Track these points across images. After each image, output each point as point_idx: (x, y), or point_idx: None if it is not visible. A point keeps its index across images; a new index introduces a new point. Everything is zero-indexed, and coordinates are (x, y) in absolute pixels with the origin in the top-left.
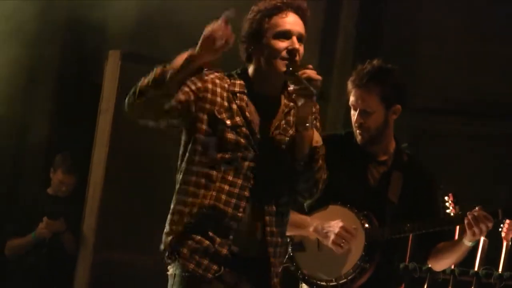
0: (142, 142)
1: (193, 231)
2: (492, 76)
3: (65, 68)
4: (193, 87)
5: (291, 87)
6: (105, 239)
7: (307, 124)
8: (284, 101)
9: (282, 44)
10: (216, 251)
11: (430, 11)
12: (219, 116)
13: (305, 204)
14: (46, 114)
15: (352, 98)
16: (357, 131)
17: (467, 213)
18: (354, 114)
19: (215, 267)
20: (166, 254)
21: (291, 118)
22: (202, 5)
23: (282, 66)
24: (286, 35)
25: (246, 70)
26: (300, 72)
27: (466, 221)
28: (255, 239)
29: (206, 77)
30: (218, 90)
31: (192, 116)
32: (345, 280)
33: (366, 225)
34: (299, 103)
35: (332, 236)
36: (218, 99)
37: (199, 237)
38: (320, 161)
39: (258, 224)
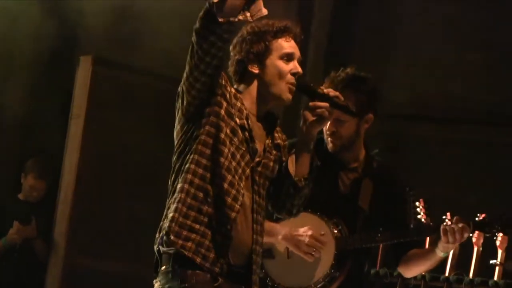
0: (113, 148)
1: (194, 229)
2: (464, 83)
3: (36, 73)
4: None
5: (314, 103)
6: (76, 244)
7: (311, 146)
8: (271, 122)
9: (287, 66)
10: (217, 250)
11: (402, 19)
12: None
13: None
14: (17, 119)
15: None
16: (329, 138)
17: (444, 224)
18: None
19: (216, 269)
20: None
21: (275, 138)
22: (176, 11)
23: (287, 92)
24: (290, 57)
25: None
26: (325, 90)
27: (442, 229)
28: (245, 246)
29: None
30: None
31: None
32: None
33: (336, 232)
34: (309, 120)
35: (302, 246)
36: (230, 106)
37: (202, 232)
38: None
39: (249, 231)
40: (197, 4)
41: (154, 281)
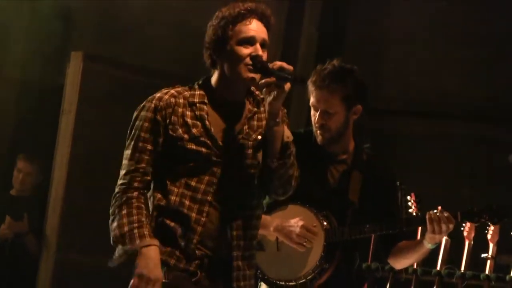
0: (104, 143)
1: (164, 235)
2: (454, 78)
3: (27, 69)
4: (151, 143)
5: (262, 80)
6: (67, 240)
7: (278, 120)
8: (248, 106)
9: (246, 51)
10: (186, 254)
11: (394, 14)
12: (174, 134)
13: (264, 203)
14: (7, 116)
15: (312, 99)
16: (318, 131)
17: (429, 211)
18: (314, 115)
19: (192, 266)
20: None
21: (255, 123)
22: (166, 7)
23: (245, 72)
24: (250, 41)
25: (209, 78)
26: (270, 64)
27: (427, 217)
28: (221, 243)
29: (160, 105)
30: (173, 109)
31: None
32: (304, 280)
33: (326, 225)
34: (271, 97)
35: (293, 236)
36: (174, 118)
37: (166, 237)
38: (292, 157)
39: (224, 228)
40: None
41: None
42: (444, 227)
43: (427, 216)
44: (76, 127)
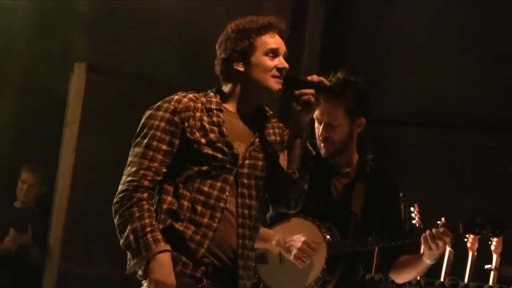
0: (107, 154)
1: (172, 239)
2: (456, 87)
3: (30, 80)
4: (168, 144)
5: (301, 91)
6: (71, 251)
7: (304, 132)
8: (257, 120)
9: (272, 62)
10: (193, 259)
11: (397, 22)
12: (192, 137)
13: (267, 216)
14: (11, 127)
15: (316, 112)
16: (322, 144)
17: (426, 230)
18: (318, 127)
19: (197, 273)
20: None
21: (264, 137)
22: (170, 20)
23: (274, 83)
24: (275, 53)
25: (220, 89)
26: (309, 78)
27: (422, 236)
28: (229, 250)
29: (180, 107)
30: (191, 113)
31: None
32: None
33: (328, 238)
34: (303, 109)
35: (294, 251)
36: (192, 122)
37: (174, 241)
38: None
39: (232, 235)
40: (192, 10)
41: (143, 281)
42: (440, 243)
43: (422, 237)
44: (79, 138)
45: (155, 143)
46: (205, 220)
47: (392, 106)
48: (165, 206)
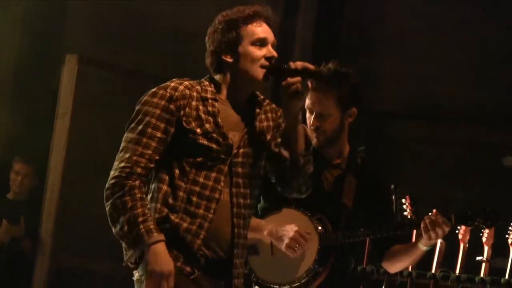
0: (99, 146)
1: (167, 230)
2: (450, 81)
3: (21, 72)
4: (165, 128)
5: (288, 80)
6: (62, 243)
7: (299, 118)
8: (250, 108)
9: (260, 52)
10: (189, 249)
11: (389, 17)
12: (187, 127)
13: (258, 207)
14: (2, 119)
15: (308, 101)
16: (313, 134)
17: (425, 217)
18: (310, 117)
19: (189, 264)
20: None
21: (257, 124)
22: (162, 10)
23: (261, 73)
24: (262, 42)
25: (213, 78)
26: (293, 65)
27: (423, 225)
28: (224, 240)
29: (176, 95)
30: (188, 101)
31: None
32: (298, 283)
33: (320, 229)
34: (292, 97)
35: (286, 240)
36: (187, 110)
37: (169, 232)
38: None
39: (228, 225)
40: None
41: (134, 271)
42: (440, 231)
43: (422, 224)
44: (71, 130)
45: (149, 130)
46: (201, 211)
47: (384, 99)
48: (161, 196)
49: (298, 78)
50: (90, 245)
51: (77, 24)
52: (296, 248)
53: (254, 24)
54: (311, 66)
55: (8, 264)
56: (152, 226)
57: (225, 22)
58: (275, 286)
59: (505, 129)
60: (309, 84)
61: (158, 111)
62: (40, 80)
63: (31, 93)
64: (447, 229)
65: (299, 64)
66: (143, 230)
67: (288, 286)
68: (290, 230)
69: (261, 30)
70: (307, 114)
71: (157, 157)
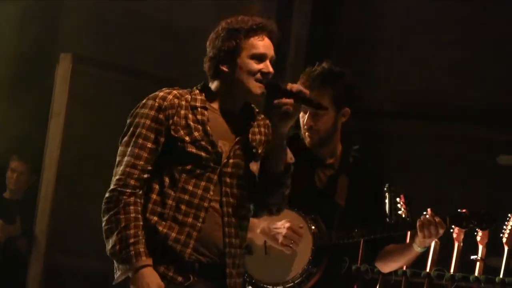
0: (94, 145)
1: (156, 240)
2: (445, 79)
3: (16, 71)
4: (155, 138)
5: (280, 100)
6: (57, 242)
7: (285, 141)
8: (243, 118)
9: (257, 66)
10: (180, 258)
11: (384, 16)
12: (176, 135)
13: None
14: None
15: None
16: (306, 133)
17: (421, 217)
18: (303, 117)
19: (181, 273)
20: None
21: (250, 136)
22: (158, 8)
23: (256, 87)
24: (261, 57)
25: (207, 85)
26: (288, 86)
27: (418, 223)
28: (215, 248)
29: (164, 104)
30: (176, 110)
31: None
32: (292, 284)
33: (314, 229)
34: (282, 118)
35: (280, 238)
36: (176, 118)
37: (158, 242)
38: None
39: (218, 234)
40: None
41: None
42: (434, 231)
43: (418, 223)
44: (65, 129)
45: (140, 141)
46: (189, 220)
47: (380, 98)
48: (150, 205)
49: (290, 100)
50: (84, 244)
51: (73, 23)
52: (291, 245)
53: (256, 37)
54: (306, 91)
55: (3, 263)
56: (142, 250)
57: (228, 31)
58: (268, 287)
59: (504, 128)
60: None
61: (148, 122)
62: (38, 79)
63: (28, 92)
64: (441, 231)
65: (295, 87)
66: (133, 252)
67: (282, 287)
68: (282, 227)
69: (262, 44)
70: (301, 114)
71: (149, 167)
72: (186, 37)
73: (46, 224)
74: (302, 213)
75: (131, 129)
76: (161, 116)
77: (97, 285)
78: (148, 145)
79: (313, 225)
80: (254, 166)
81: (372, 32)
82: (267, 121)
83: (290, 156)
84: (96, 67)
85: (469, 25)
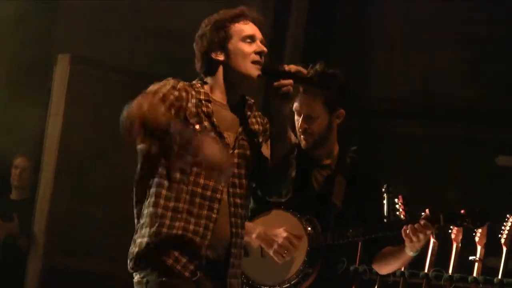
0: (92, 145)
1: (170, 233)
2: (441, 79)
3: (14, 72)
4: (171, 104)
5: (279, 82)
6: (55, 242)
7: (286, 121)
8: (241, 110)
9: (250, 47)
10: (194, 250)
11: (381, 15)
12: (190, 120)
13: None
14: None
15: (295, 104)
16: (301, 136)
17: (410, 221)
18: (298, 120)
19: (191, 267)
20: (137, 258)
21: (249, 127)
22: (154, 8)
23: (253, 69)
24: (252, 38)
25: (204, 81)
26: (286, 67)
27: (403, 231)
28: (224, 240)
29: (179, 86)
30: (189, 96)
31: None
32: (288, 285)
33: (309, 229)
34: (283, 99)
35: (275, 246)
36: (189, 104)
37: (177, 235)
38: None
39: (226, 225)
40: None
41: (134, 273)
42: (421, 236)
43: (402, 231)
44: (63, 129)
45: (165, 96)
46: (205, 212)
47: (377, 98)
48: (161, 201)
49: (290, 81)
50: (82, 244)
51: (71, 24)
52: (284, 255)
53: (241, 22)
54: (304, 71)
55: (3, 261)
56: None
57: (213, 24)
58: None
59: (504, 128)
60: (300, 88)
61: (168, 87)
62: (33, 79)
63: (23, 92)
64: (428, 232)
65: (293, 67)
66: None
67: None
68: (279, 235)
69: (249, 27)
70: (295, 116)
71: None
72: (184, 37)
73: (44, 224)
74: (298, 214)
75: (150, 87)
76: (177, 94)
77: (96, 285)
78: (171, 98)
79: (309, 226)
80: (266, 150)
81: (370, 31)
82: (265, 119)
83: (293, 137)
84: (94, 68)
85: (469, 25)
